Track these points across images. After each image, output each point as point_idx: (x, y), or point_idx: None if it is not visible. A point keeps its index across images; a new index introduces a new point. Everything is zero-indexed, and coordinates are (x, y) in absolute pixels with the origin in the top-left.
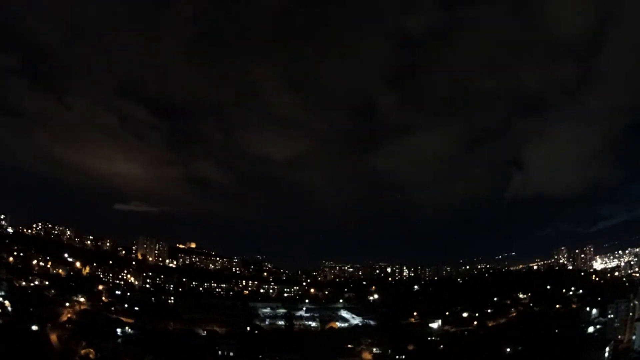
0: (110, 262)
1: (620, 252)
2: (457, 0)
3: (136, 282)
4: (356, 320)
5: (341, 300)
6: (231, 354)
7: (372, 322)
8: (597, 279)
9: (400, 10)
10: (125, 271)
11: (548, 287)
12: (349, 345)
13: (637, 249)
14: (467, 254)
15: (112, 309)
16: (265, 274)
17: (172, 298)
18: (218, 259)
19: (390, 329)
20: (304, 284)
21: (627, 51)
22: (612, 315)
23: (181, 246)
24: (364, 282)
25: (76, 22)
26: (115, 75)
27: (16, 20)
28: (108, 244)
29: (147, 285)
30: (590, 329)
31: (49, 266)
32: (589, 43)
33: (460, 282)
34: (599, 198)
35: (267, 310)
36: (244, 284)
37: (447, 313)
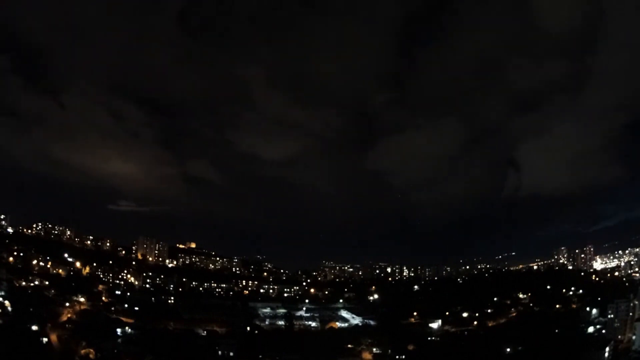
0: (110, 262)
1: (620, 252)
2: None
3: (136, 282)
4: (356, 320)
5: (341, 300)
6: (231, 354)
7: (372, 322)
8: (597, 279)
9: (395, 5)
10: (125, 271)
11: (548, 287)
12: (349, 345)
13: (637, 249)
14: (467, 254)
15: (112, 309)
16: (265, 274)
17: (172, 298)
18: (218, 259)
19: (390, 329)
20: (304, 284)
21: (623, 48)
22: (612, 315)
23: (181, 246)
24: (364, 282)
25: (68, 22)
26: (108, 74)
27: (10, 20)
28: (108, 244)
29: (147, 285)
30: (590, 329)
31: (49, 266)
32: (585, 39)
33: (460, 282)
34: (599, 198)
35: (267, 310)
36: (244, 284)
37: (447, 313)
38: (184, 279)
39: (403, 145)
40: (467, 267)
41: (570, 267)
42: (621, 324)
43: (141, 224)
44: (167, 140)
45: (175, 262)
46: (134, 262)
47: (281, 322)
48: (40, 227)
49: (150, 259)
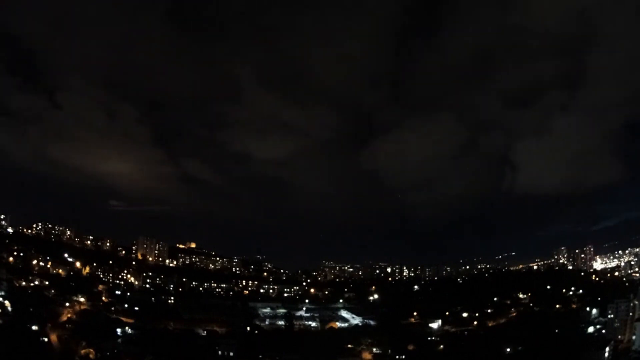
0: (110, 262)
1: (620, 252)
2: None
3: (136, 282)
4: (356, 320)
5: (341, 300)
6: (231, 354)
7: (372, 322)
8: (597, 279)
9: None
10: (125, 271)
11: (548, 287)
12: (349, 345)
13: (637, 249)
14: (467, 254)
15: (112, 309)
16: (265, 274)
17: (172, 298)
18: (218, 259)
19: (390, 329)
20: (304, 284)
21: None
22: (612, 315)
23: (181, 246)
24: (364, 282)
25: (60, 21)
26: (102, 72)
27: (3, 20)
28: (108, 244)
29: (147, 285)
30: (590, 329)
31: (49, 266)
32: (581, 36)
33: (460, 282)
34: (599, 198)
35: (267, 310)
36: (244, 284)
37: (447, 313)
38: (184, 279)
39: (400, 144)
40: (467, 267)
41: (570, 267)
42: (621, 324)
43: (141, 224)
44: (161, 139)
45: (175, 262)
46: (134, 262)
47: (281, 322)
48: (40, 227)
49: (150, 259)
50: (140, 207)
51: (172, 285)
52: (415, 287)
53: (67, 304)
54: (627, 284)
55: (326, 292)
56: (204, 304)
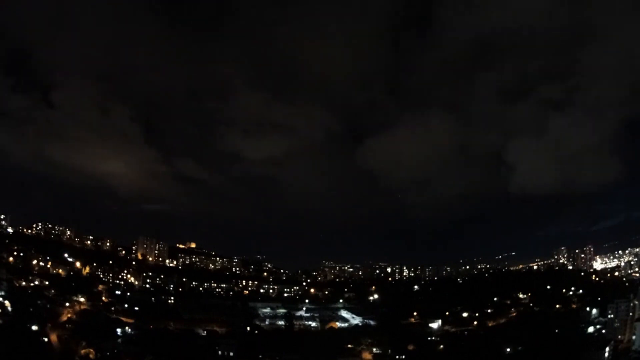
0: (110, 262)
1: (620, 252)
2: None
3: (136, 282)
4: (356, 320)
5: (341, 300)
6: (231, 354)
7: (372, 322)
8: (597, 279)
9: None
10: (125, 271)
11: (548, 287)
12: (349, 345)
13: (637, 249)
14: (467, 254)
15: (112, 309)
16: (265, 274)
17: (172, 298)
18: (218, 259)
19: (390, 329)
20: (304, 284)
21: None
22: (612, 315)
23: (181, 246)
24: (364, 282)
25: (52, 20)
26: (95, 71)
27: None
28: (108, 244)
29: (147, 285)
30: (590, 329)
31: (49, 266)
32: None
33: (460, 282)
34: (599, 198)
35: (267, 310)
36: (244, 284)
37: (447, 313)
38: (184, 279)
39: (395, 142)
40: (467, 267)
41: (570, 267)
42: (621, 324)
43: (141, 224)
44: (155, 138)
45: (175, 262)
46: (134, 262)
47: (281, 322)
48: (40, 227)
49: (150, 259)
50: (138, 207)
51: (172, 285)
52: (415, 287)
53: (67, 304)
54: (627, 284)
55: (326, 292)
56: (204, 304)
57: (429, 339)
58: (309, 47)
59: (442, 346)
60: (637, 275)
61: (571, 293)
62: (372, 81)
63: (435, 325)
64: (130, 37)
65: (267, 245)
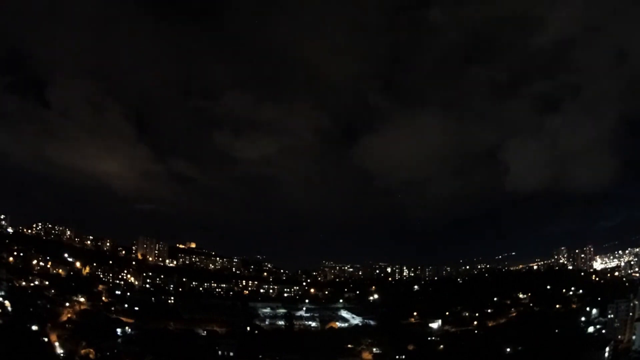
0: (110, 262)
1: (620, 252)
2: None
3: (136, 282)
4: (356, 320)
5: (341, 300)
6: (231, 354)
7: (372, 322)
8: (597, 279)
9: None
10: (125, 271)
11: (548, 287)
12: (349, 345)
13: (637, 249)
14: (467, 254)
15: (112, 309)
16: (265, 274)
17: (172, 298)
18: (218, 259)
19: (390, 329)
20: (304, 284)
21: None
22: (612, 315)
23: (181, 246)
24: (364, 282)
25: (46, 19)
26: (89, 70)
27: None
28: (108, 244)
29: (147, 285)
30: (590, 329)
31: (49, 266)
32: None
33: (460, 282)
34: (599, 198)
35: (267, 310)
36: (244, 284)
37: (447, 313)
38: (184, 279)
39: (391, 142)
40: (467, 267)
41: (570, 267)
42: (621, 324)
43: (141, 224)
44: (147, 137)
45: (175, 262)
46: (134, 262)
47: (281, 322)
48: (40, 227)
49: (150, 259)
50: (136, 207)
51: (172, 285)
52: (415, 287)
53: (67, 304)
54: (627, 284)
55: (326, 292)
56: (204, 304)
57: (429, 339)
58: (302, 45)
59: (442, 346)
60: (637, 275)
61: (571, 293)
62: (367, 79)
63: (435, 325)
64: (123, 35)
65: (267, 245)
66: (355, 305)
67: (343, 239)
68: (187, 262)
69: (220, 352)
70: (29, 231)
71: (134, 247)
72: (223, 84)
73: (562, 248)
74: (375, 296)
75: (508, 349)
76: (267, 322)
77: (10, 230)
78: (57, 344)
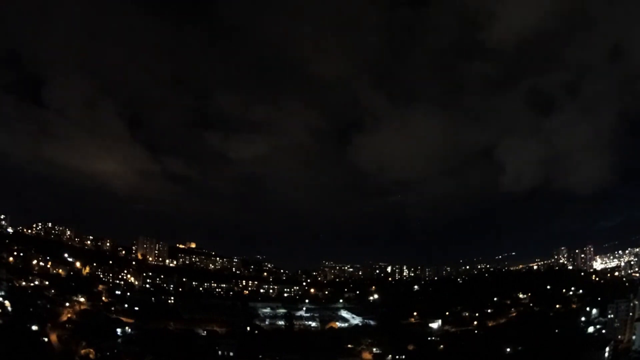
0: (110, 262)
1: (620, 252)
2: None
3: (136, 282)
4: (356, 320)
5: (341, 300)
6: (231, 354)
7: (372, 322)
8: (597, 279)
9: None
10: (125, 271)
11: (548, 287)
12: (349, 345)
13: (637, 249)
14: (467, 254)
15: (112, 309)
16: (265, 274)
17: (172, 298)
18: (218, 259)
19: (390, 329)
20: (304, 284)
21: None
22: (612, 315)
23: (181, 246)
24: (364, 282)
25: (42, 19)
26: (85, 69)
27: None
28: (108, 244)
29: (147, 285)
30: (590, 329)
31: (49, 266)
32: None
33: (460, 282)
34: (599, 198)
35: (267, 310)
36: (244, 284)
37: (447, 313)
38: (184, 279)
39: (389, 140)
40: (467, 267)
41: (570, 267)
42: (621, 324)
43: (141, 224)
44: (143, 136)
45: (175, 262)
46: (134, 262)
47: (281, 322)
48: (40, 227)
49: (150, 259)
50: (135, 206)
51: (172, 285)
52: (415, 287)
53: (67, 304)
54: (627, 284)
55: (326, 292)
56: (204, 304)
57: (429, 339)
58: (296, 44)
59: (442, 346)
60: (637, 275)
61: (571, 293)
62: (361, 78)
63: (435, 325)
64: (117, 34)
65: (267, 245)
66: (355, 305)
67: (343, 239)
68: (187, 262)
69: (220, 352)
70: (29, 231)
71: (134, 247)
72: (216, 83)
73: (562, 248)
74: (375, 296)
75: (508, 349)
76: (267, 322)
77: (10, 230)
78: (57, 344)
